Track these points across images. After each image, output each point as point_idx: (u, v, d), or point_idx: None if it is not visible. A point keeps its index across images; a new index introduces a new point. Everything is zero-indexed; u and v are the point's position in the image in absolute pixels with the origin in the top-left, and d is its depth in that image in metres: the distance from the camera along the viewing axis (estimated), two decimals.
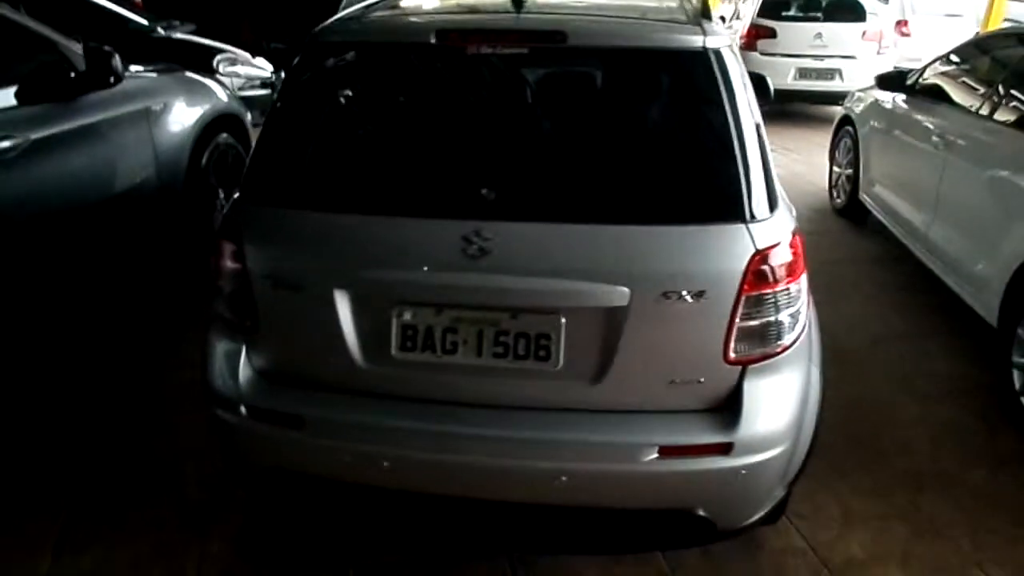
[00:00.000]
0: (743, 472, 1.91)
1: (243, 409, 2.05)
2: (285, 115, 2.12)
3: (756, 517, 2.07)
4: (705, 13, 2.19)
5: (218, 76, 5.83)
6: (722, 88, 1.95)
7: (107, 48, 3.34)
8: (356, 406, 1.99)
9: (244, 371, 2.07)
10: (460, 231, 1.86)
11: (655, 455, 1.88)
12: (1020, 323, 3.17)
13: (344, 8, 2.41)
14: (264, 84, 7.02)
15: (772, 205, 1.94)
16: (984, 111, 3.74)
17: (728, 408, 1.92)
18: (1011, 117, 3.56)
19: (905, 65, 8.18)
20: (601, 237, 1.87)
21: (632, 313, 1.84)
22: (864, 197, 5.20)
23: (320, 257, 1.95)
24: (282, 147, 2.10)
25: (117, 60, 3.32)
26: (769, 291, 1.88)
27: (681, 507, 1.96)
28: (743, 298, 1.86)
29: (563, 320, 1.86)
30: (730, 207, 1.88)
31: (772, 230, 1.91)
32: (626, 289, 1.83)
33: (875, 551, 2.49)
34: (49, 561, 2.39)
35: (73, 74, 3.32)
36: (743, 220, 1.88)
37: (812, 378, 2.06)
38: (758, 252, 1.86)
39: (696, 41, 1.99)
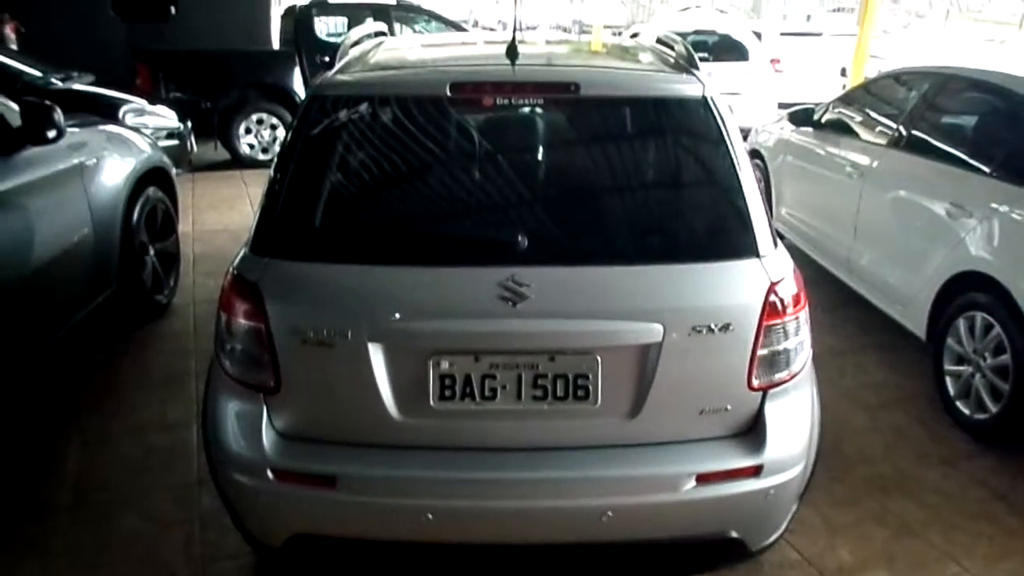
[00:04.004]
0: (771, 492, 2.02)
1: (269, 473, 1.98)
2: (298, 167, 2.09)
3: (779, 533, 2.19)
4: (691, 62, 2.34)
5: None
6: (725, 132, 2.10)
7: (47, 102, 3.16)
8: (393, 460, 1.98)
9: (267, 433, 2.01)
10: (495, 278, 1.90)
11: (693, 483, 1.96)
12: (948, 335, 3.50)
13: (341, 56, 2.39)
14: (171, 134, 6.71)
15: (775, 241, 2.10)
16: (895, 142, 4.11)
17: (753, 432, 2.04)
18: (922, 147, 3.94)
19: (784, 99, 8.79)
20: (632, 277, 1.96)
21: (665, 348, 1.93)
22: (779, 225, 5.56)
23: (352, 311, 1.94)
24: (298, 200, 2.07)
25: (59, 114, 3.15)
26: (783, 320, 2.02)
27: (717, 531, 2.04)
28: (763, 328, 1.99)
29: (599, 359, 1.93)
30: (746, 244, 2.02)
31: (780, 264, 2.06)
32: (659, 326, 1.92)
33: (862, 556, 2.67)
34: None
35: (7, 129, 3.13)
36: (757, 255, 2.02)
37: (815, 398, 2.22)
38: (772, 284, 2.00)
39: (697, 89, 2.14)
